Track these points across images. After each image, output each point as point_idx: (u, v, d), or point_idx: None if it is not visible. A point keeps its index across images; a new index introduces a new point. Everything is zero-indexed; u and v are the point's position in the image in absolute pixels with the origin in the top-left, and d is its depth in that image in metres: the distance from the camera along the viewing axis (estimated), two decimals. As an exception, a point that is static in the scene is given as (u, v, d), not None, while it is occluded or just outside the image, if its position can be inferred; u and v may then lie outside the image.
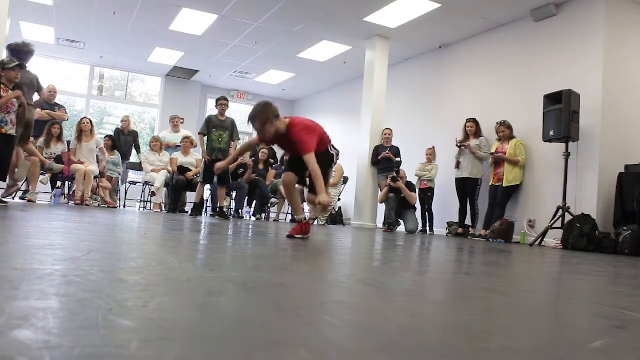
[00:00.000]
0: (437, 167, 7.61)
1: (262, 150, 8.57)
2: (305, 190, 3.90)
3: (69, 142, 7.57)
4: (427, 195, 7.57)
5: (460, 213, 7.02)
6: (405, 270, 2.20)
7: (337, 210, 9.06)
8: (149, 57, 10.27)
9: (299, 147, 3.30)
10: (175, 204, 7.89)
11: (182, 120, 9.24)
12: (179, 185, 7.81)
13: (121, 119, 8.76)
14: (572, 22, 6.27)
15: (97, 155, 7.62)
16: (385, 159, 7.78)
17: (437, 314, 1.20)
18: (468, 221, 7.01)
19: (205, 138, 6.94)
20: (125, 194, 8.49)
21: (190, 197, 8.21)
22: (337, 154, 3.78)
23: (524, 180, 6.51)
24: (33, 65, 6.13)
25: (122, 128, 8.53)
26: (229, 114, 7.12)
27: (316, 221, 7.67)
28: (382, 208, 7.85)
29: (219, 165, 4.34)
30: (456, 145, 6.96)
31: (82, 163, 7.27)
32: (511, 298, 1.57)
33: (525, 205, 6.51)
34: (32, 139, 6.90)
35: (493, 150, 6.66)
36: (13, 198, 6.44)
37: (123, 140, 8.40)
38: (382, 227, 7.81)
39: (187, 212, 8.07)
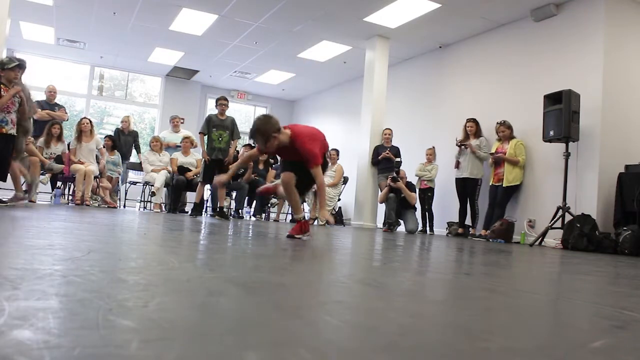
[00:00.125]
0: (437, 167, 7.61)
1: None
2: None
3: (69, 144, 7.57)
4: (427, 195, 7.57)
5: (460, 213, 7.02)
6: (405, 270, 2.20)
7: (337, 210, 9.06)
8: (149, 57, 10.27)
9: (307, 160, 3.32)
10: (175, 204, 7.89)
11: (182, 120, 9.25)
12: (179, 185, 7.81)
13: (121, 119, 8.77)
14: (572, 22, 6.27)
15: (96, 155, 7.62)
16: (385, 159, 7.78)
17: (437, 314, 1.20)
18: (468, 221, 7.01)
19: (206, 137, 6.94)
20: (125, 194, 8.49)
21: (190, 197, 8.21)
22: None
23: (524, 180, 6.51)
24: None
25: (122, 128, 8.53)
26: (228, 113, 7.12)
27: (316, 221, 7.67)
28: (382, 208, 7.85)
29: (219, 179, 4.38)
30: (456, 145, 6.96)
31: (82, 163, 7.27)
32: (511, 298, 1.57)
33: (525, 205, 6.51)
34: (32, 138, 6.90)
35: (493, 150, 6.66)
36: (32, 197, 6.41)
37: (123, 140, 8.40)
38: (382, 227, 7.81)
39: (187, 212, 8.07)
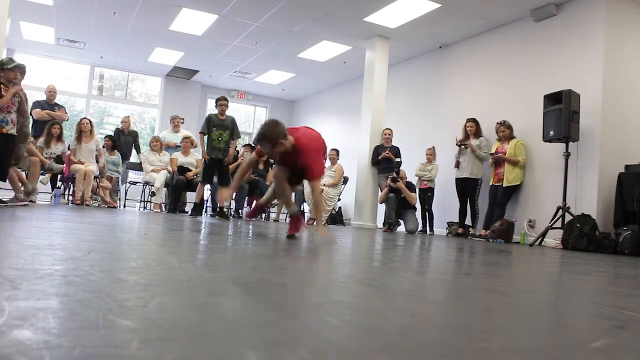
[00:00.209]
0: (437, 167, 7.61)
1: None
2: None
3: (69, 145, 7.58)
4: (427, 195, 7.57)
5: (460, 213, 7.02)
6: (405, 270, 2.20)
7: (337, 210, 9.06)
8: (149, 57, 10.28)
9: (309, 171, 3.35)
10: (175, 204, 7.89)
11: (182, 121, 9.25)
12: (179, 185, 7.81)
13: (121, 119, 8.77)
14: (572, 22, 6.27)
15: (95, 155, 7.62)
16: (385, 159, 7.78)
17: (437, 314, 1.20)
18: (468, 221, 7.01)
19: (205, 137, 6.94)
20: (125, 194, 8.49)
21: (190, 197, 8.21)
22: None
23: (524, 180, 6.51)
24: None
25: (122, 128, 8.53)
26: (228, 113, 7.12)
27: (315, 221, 7.65)
28: (382, 208, 7.85)
29: (223, 195, 4.47)
30: (456, 144, 6.96)
31: (82, 163, 7.27)
32: (511, 298, 1.57)
33: (525, 205, 6.51)
34: (32, 138, 6.90)
35: (493, 151, 6.66)
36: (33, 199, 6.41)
37: (123, 140, 8.40)
38: (382, 227, 7.81)
39: (187, 212, 8.07)
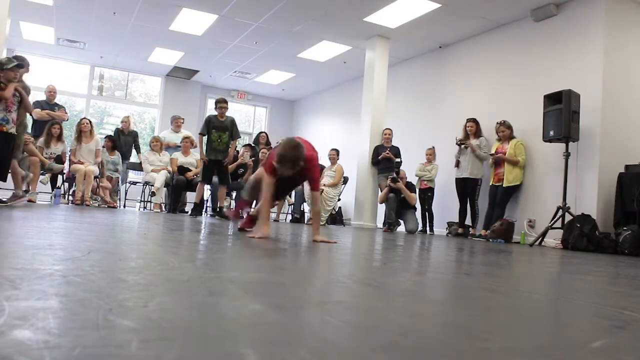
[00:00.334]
0: (437, 167, 7.61)
1: (261, 151, 8.57)
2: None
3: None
4: (427, 195, 7.57)
5: (460, 213, 7.02)
6: (405, 270, 2.20)
7: (337, 210, 9.06)
8: (149, 57, 10.27)
9: (314, 182, 3.38)
10: (175, 204, 7.89)
11: (182, 121, 9.25)
12: (179, 185, 7.81)
13: (121, 119, 8.77)
14: (572, 22, 6.27)
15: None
16: (385, 159, 7.78)
17: (437, 314, 1.20)
18: (468, 221, 7.01)
19: (205, 138, 6.94)
20: (125, 194, 8.49)
21: (190, 197, 8.21)
22: None
23: (524, 180, 6.51)
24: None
25: (122, 128, 8.54)
26: (228, 113, 7.12)
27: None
28: (382, 208, 7.85)
29: (265, 232, 3.29)
30: (456, 144, 6.96)
31: (82, 163, 7.27)
32: (511, 298, 1.57)
33: (525, 205, 6.51)
34: (32, 138, 6.91)
35: (493, 151, 6.66)
36: (29, 187, 6.41)
37: (123, 140, 8.40)
38: (382, 227, 7.81)
39: (187, 212, 8.07)
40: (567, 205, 5.62)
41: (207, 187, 7.56)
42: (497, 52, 7.33)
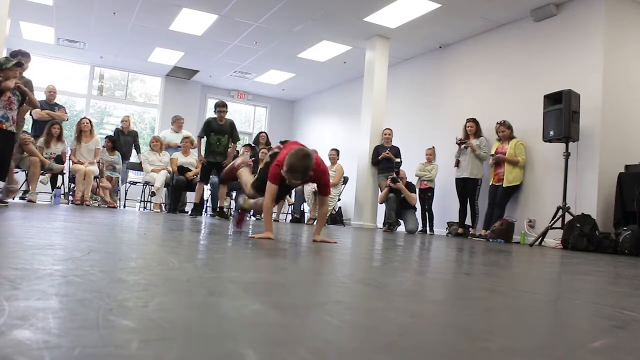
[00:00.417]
0: (437, 167, 7.61)
1: (261, 150, 8.58)
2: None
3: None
4: (427, 195, 7.57)
5: (460, 213, 7.02)
6: (405, 270, 2.20)
7: (337, 210, 9.06)
8: (149, 57, 10.28)
9: (325, 188, 3.39)
10: (175, 204, 7.90)
11: (183, 121, 9.25)
12: (179, 185, 7.82)
13: (121, 119, 8.76)
14: (572, 22, 6.27)
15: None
16: (385, 159, 7.78)
17: (437, 314, 1.20)
18: (468, 221, 7.01)
19: (204, 140, 6.97)
20: (125, 194, 8.49)
21: (190, 197, 8.21)
22: None
23: (524, 180, 6.51)
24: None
25: (122, 128, 8.53)
26: (228, 115, 7.14)
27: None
28: (382, 208, 7.85)
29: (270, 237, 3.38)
30: (456, 143, 6.96)
31: (82, 163, 7.27)
32: (511, 298, 1.57)
33: (525, 205, 6.51)
34: (32, 139, 6.91)
35: (493, 151, 6.66)
36: (13, 198, 6.42)
37: (123, 140, 8.40)
38: (382, 227, 7.81)
39: (187, 212, 8.07)
40: (567, 205, 5.62)
41: (207, 187, 7.57)
42: (497, 52, 7.33)
